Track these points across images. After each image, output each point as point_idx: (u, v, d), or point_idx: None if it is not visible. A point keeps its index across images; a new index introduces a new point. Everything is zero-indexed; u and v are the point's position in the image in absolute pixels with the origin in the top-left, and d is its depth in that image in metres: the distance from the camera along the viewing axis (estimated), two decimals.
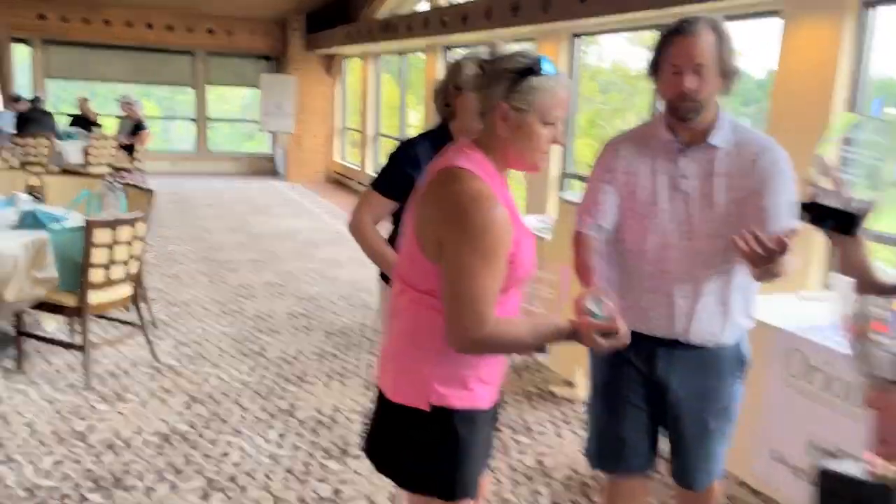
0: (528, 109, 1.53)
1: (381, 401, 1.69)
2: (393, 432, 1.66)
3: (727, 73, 1.84)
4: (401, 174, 2.31)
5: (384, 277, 2.45)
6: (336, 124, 13.77)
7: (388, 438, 1.67)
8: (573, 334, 1.56)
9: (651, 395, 2.00)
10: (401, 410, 1.63)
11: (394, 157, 2.38)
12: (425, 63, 9.82)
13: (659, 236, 1.90)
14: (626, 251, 1.96)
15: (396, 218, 2.42)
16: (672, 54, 1.82)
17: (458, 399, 1.59)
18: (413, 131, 10.97)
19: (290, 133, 13.00)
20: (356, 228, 2.37)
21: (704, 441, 2.03)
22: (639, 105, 6.04)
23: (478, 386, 1.62)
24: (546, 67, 1.52)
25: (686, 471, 2.09)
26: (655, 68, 1.88)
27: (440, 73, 9.16)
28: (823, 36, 3.92)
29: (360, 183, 12.15)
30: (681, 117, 1.86)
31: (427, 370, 1.59)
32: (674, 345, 1.94)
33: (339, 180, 13.24)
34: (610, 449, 2.07)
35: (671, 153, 1.92)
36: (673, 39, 1.82)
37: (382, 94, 12.09)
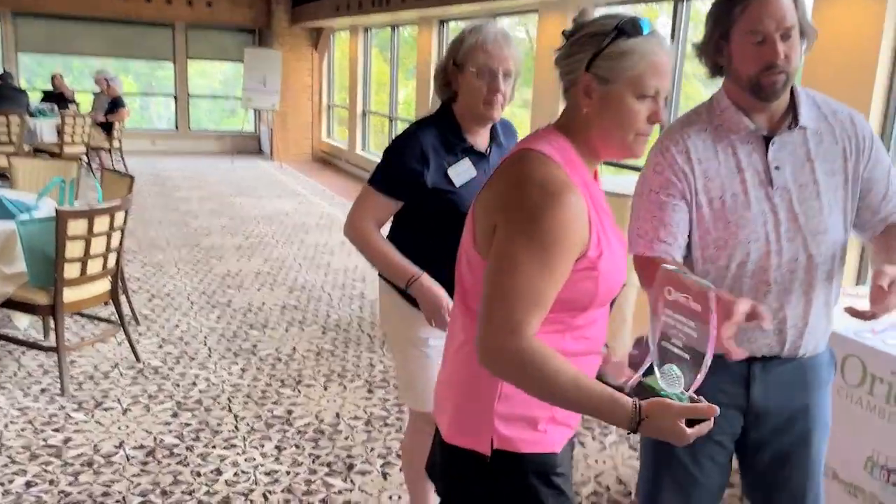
0: (615, 79, 1.23)
1: (439, 440, 1.42)
2: (451, 478, 1.39)
3: (807, 34, 1.55)
4: (404, 170, 2.02)
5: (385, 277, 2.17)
6: (323, 101, 13.33)
7: (449, 485, 1.40)
8: (634, 420, 1.16)
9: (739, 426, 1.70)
10: (457, 454, 1.34)
11: (394, 151, 2.07)
12: (417, 37, 9.41)
13: (756, 245, 1.59)
14: (707, 271, 1.63)
15: (398, 217, 2.13)
16: (752, 19, 1.49)
17: (524, 443, 1.29)
18: (403, 109, 10.69)
19: (276, 110, 12.54)
20: (358, 236, 2.07)
21: (813, 464, 1.76)
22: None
23: (551, 427, 1.32)
24: (640, 27, 1.23)
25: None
26: (718, 42, 1.56)
27: (434, 47, 8.78)
28: (863, 11, 3.62)
29: (348, 162, 11.77)
30: (767, 96, 1.55)
31: (488, 406, 1.29)
32: (770, 360, 1.64)
33: (327, 160, 12.84)
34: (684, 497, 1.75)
35: (756, 143, 1.60)
36: (749, 2, 1.50)
37: (372, 70, 11.67)
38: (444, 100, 2.09)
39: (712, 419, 1.17)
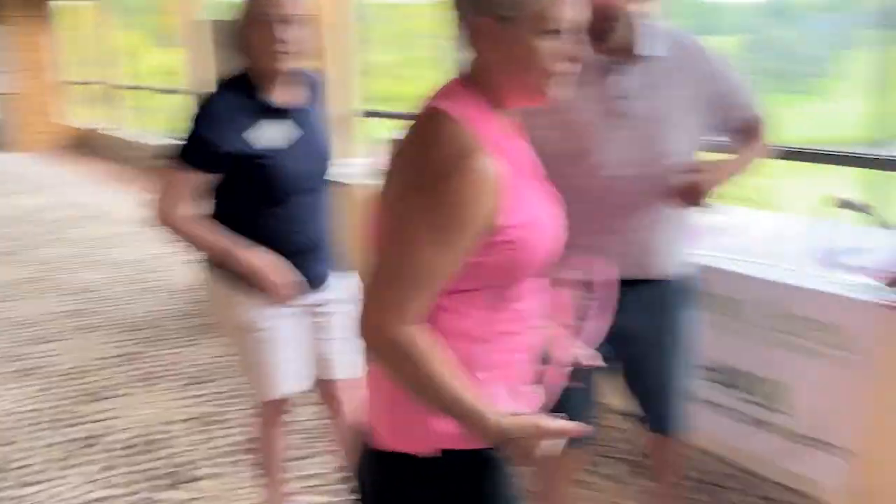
0: (516, 18, 1.08)
1: (368, 451, 1.24)
2: (387, 488, 1.21)
3: None
4: (200, 139, 1.87)
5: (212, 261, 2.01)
6: (66, 79, 11.88)
7: (385, 496, 1.22)
8: (496, 442, 1.10)
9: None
10: (392, 460, 1.19)
11: (190, 120, 1.91)
12: None
13: (604, 170, 1.67)
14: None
15: (221, 193, 1.96)
16: None
17: (467, 437, 1.14)
18: (168, 79, 9.80)
19: (14, 94, 10.95)
20: (167, 222, 1.90)
21: (678, 376, 1.94)
22: None
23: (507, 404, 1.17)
24: None
25: (665, 415, 1.97)
26: None
27: (188, 7, 8.08)
28: None
29: (106, 146, 10.64)
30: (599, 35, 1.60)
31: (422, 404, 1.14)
32: (632, 284, 1.69)
33: (80, 143, 11.52)
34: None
35: (600, 74, 1.64)
36: None
37: (119, 40, 10.56)
38: (243, 59, 1.94)
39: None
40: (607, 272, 1.24)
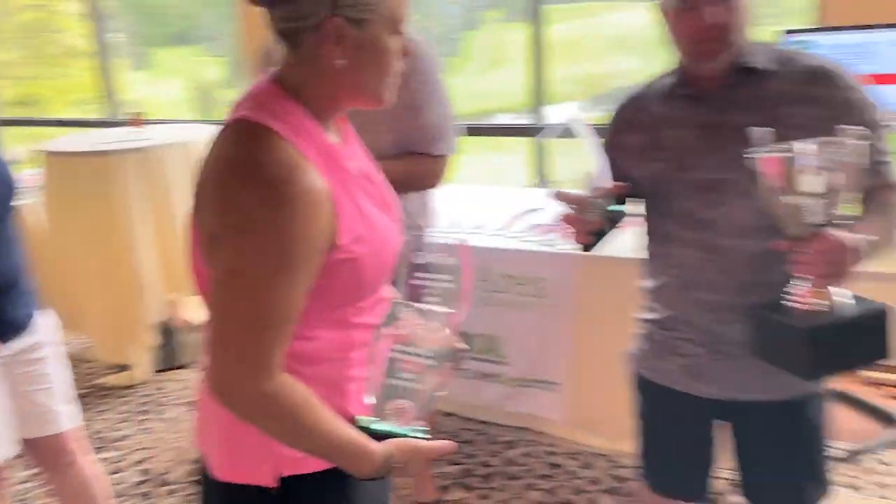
0: (372, 18, 1.01)
1: (207, 481, 1.13)
2: None
3: None
4: None
5: None
6: None
7: None
8: (383, 472, 1.07)
9: None
10: (237, 492, 1.09)
11: None
12: None
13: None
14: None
15: None
16: None
17: (313, 461, 1.07)
18: None
19: None
20: None
21: None
22: None
23: None
24: None
25: None
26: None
27: None
28: None
29: None
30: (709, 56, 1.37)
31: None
32: None
33: None
34: None
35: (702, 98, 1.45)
36: None
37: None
38: None
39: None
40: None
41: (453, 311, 1.14)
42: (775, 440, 1.47)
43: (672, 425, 1.57)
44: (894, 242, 1.31)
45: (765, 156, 1.15)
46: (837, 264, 1.14)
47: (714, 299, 1.39)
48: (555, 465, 2.57)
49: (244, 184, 0.95)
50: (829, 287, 1.19)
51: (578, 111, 1.29)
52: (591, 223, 1.33)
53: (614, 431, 2.49)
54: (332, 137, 1.08)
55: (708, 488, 1.61)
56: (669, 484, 1.62)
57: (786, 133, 1.18)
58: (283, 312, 0.98)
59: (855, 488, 2.33)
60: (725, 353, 1.42)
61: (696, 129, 1.37)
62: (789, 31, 2.49)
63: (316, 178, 0.98)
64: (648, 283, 1.55)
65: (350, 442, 1.04)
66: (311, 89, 1.04)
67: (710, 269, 1.39)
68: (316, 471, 1.08)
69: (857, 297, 1.22)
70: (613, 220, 1.35)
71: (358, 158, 1.14)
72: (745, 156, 1.20)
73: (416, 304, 1.15)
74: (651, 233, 1.51)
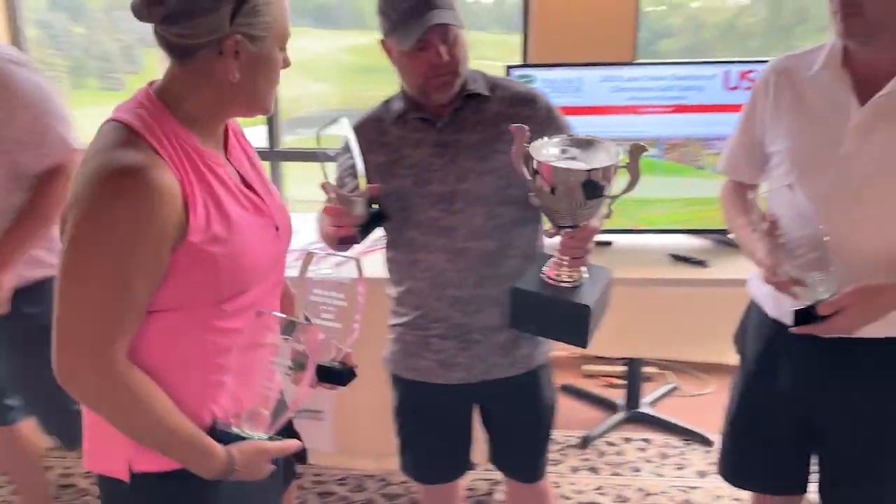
0: (266, 35, 1.08)
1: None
2: None
3: None
4: None
5: None
6: None
7: None
8: (227, 473, 1.10)
9: None
10: (100, 482, 1.16)
11: None
12: None
13: None
14: None
15: None
16: None
17: (146, 461, 1.10)
18: None
19: None
20: None
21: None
22: None
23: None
24: None
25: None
26: None
27: None
28: None
29: None
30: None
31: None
32: None
33: None
34: None
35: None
36: None
37: None
38: None
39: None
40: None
41: (344, 327, 1.25)
42: (519, 409, 1.71)
43: (432, 417, 1.73)
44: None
45: (543, 161, 1.28)
46: (589, 247, 1.38)
47: (460, 294, 1.59)
48: (327, 494, 2.53)
49: (92, 176, 0.99)
50: (580, 265, 1.40)
51: (344, 119, 1.36)
52: (353, 217, 1.42)
53: (379, 451, 2.53)
54: (205, 143, 1.12)
55: (468, 466, 1.82)
56: (434, 473, 1.81)
57: (505, 147, 1.40)
58: (121, 302, 1.01)
59: (593, 470, 2.64)
60: (471, 341, 1.62)
61: (432, 147, 1.55)
62: (510, 66, 2.75)
63: (164, 176, 1.01)
64: (396, 290, 1.68)
65: (192, 439, 1.07)
66: (194, 99, 1.09)
67: (454, 268, 1.58)
68: (169, 469, 1.09)
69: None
70: (375, 218, 1.47)
71: (237, 166, 1.19)
72: (478, 167, 1.48)
73: (314, 320, 1.23)
74: (397, 243, 1.64)
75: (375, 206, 1.47)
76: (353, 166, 1.40)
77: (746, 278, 1.68)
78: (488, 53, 4.02)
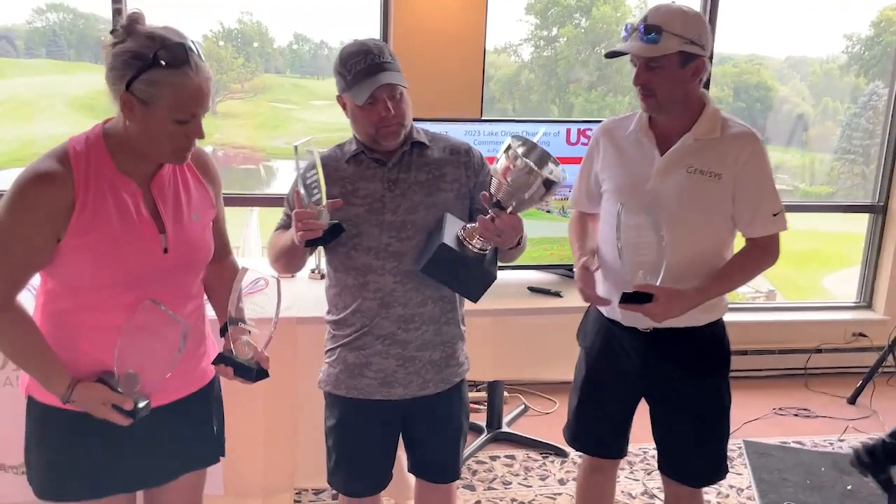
0: (153, 104, 1.38)
1: None
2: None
3: None
4: None
5: None
6: None
7: None
8: (65, 397, 1.46)
9: None
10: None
11: None
12: None
13: None
14: None
15: None
16: None
17: (37, 390, 1.53)
18: None
19: None
20: None
21: None
22: None
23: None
24: (178, 57, 1.36)
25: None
26: None
27: None
28: None
29: None
30: None
31: None
32: None
33: None
34: None
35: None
36: None
37: None
38: None
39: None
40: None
41: (264, 330, 1.59)
42: (443, 420, 1.95)
43: (365, 432, 1.93)
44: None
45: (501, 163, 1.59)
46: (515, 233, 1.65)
47: (404, 313, 1.81)
48: None
49: (19, 177, 1.40)
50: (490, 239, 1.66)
51: (312, 139, 1.61)
52: (316, 224, 1.63)
53: (267, 489, 2.60)
54: (125, 170, 1.46)
55: (390, 478, 2.01)
56: (362, 485, 1.99)
57: (447, 186, 1.80)
58: (2, 260, 1.41)
59: (469, 487, 2.88)
60: (409, 359, 1.84)
61: (383, 182, 1.79)
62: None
63: (60, 179, 1.39)
64: (340, 314, 1.89)
65: (47, 364, 1.45)
66: (117, 135, 1.45)
67: (402, 289, 1.80)
68: (37, 399, 1.53)
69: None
70: (335, 228, 1.67)
71: (156, 195, 1.50)
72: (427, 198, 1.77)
73: (240, 323, 1.58)
74: (347, 267, 1.83)
75: (334, 221, 1.68)
76: (317, 181, 1.63)
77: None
78: None
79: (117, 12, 3.30)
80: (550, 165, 1.63)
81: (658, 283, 1.78)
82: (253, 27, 7.35)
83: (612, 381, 2.03)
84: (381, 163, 1.80)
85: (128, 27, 1.39)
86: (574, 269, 1.96)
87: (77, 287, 1.46)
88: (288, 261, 1.84)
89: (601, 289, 1.96)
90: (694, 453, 2.01)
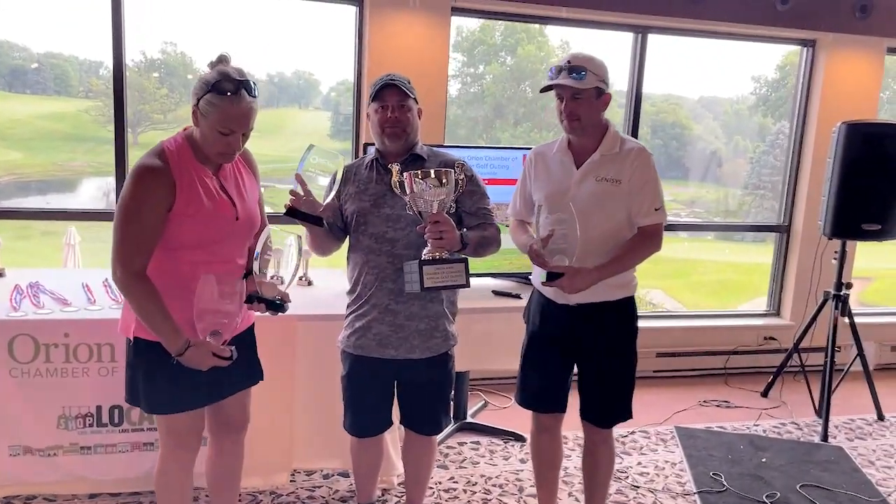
0: (207, 118, 1.93)
1: None
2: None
3: None
4: None
5: None
6: None
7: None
8: (181, 351, 1.96)
9: None
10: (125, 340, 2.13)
11: None
12: None
13: None
14: None
15: None
16: None
17: (144, 332, 2.02)
18: None
19: None
20: None
21: None
22: None
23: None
24: (225, 89, 1.88)
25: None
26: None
27: None
28: None
29: None
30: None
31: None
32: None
33: None
34: None
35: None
36: None
37: None
38: None
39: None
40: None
41: (283, 278, 2.14)
42: (427, 382, 2.42)
43: (368, 382, 2.43)
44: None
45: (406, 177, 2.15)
46: (447, 235, 2.14)
47: (394, 287, 2.30)
48: None
49: (134, 166, 1.96)
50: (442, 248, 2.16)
51: (340, 158, 2.21)
52: (311, 205, 2.12)
53: (268, 468, 2.91)
54: (204, 163, 2.01)
55: (389, 423, 2.52)
56: (366, 427, 2.49)
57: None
58: (129, 237, 1.92)
59: (443, 467, 3.26)
60: (400, 326, 2.32)
61: (388, 185, 2.28)
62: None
63: (163, 170, 1.93)
64: (351, 283, 2.42)
65: (167, 327, 1.95)
66: (195, 137, 2.01)
67: (392, 268, 2.30)
68: (142, 337, 2.03)
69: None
70: (318, 219, 2.15)
71: (223, 180, 2.06)
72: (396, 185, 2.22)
73: (264, 270, 2.06)
74: (356, 248, 2.37)
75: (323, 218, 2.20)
76: (331, 189, 2.19)
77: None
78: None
79: None
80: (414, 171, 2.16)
81: (568, 265, 2.26)
82: (176, 58, 7.36)
83: (548, 347, 2.50)
84: (387, 169, 2.31)
85: (214, 62, 1.97)
86: (528, 254, 2.39)
87: (182, 246, 1.98)
88: (311, 239, 2.34)
89: (537, 274, 2.47)
90: (606, 400, 2.49)
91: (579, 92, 2.28)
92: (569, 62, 2.29)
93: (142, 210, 1.91)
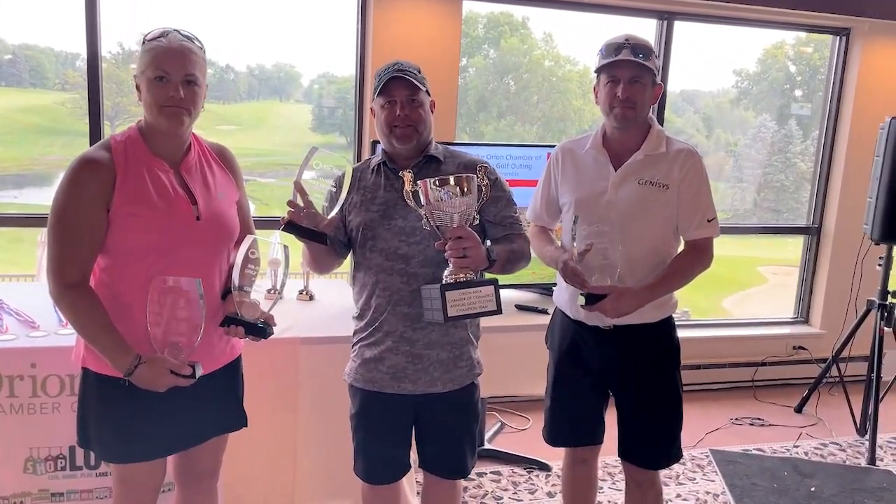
0: (143, 73, 1.67)
1: None
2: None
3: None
4: None
5: None
6: None
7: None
8: (130, 369, 1.64)
9: None
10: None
11: None
12: None
13: None
14: None
15: None
16: None
17: (93, 363, 1.73)
18: None
19: None
20: None
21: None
22: None
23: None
24: (153, 34, 1.66)
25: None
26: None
27: None
28: None
29: None
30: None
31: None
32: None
33: None
34: None
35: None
36: None
37: None
38: None
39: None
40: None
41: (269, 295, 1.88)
42: (450, 419, 2.03)
43: (381, 422, 2.03)
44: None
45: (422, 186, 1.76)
46: (472, 252, 1.77)
47: (410, 311, 1.92)
48: None
49: (70, 164, 1.66)
50: (467, 267, 1.78)
51: (348, 162, 1.83)
52: (312, 219, 1.77)
53: None
54: (158, 153, 1.72)
55: (407, 469, 2.10)
56: (379, 473, 2.07)
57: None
58: (60, 249, 1.63)
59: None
60: (418, 356, 1.94)
61: (398, 192, 1.91)
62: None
63: (103, 162, 1.65)
64: (359, 308, 2.02)
65: (111, 341, 1.64)
66: (146, 125, 1.73)
67: (407, 289, 1.91)
68: (91, 369, 1.73)
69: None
70: (319, 235, 1.80)
71: (185, 173, 1.74)
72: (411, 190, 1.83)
73: (245, 286, 1.75)
74: (363, 266, 1.98)
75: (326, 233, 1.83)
76: (334, 197, 1.85)
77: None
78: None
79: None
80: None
81: (610, 284, 1.95)
82: None
83: (579, 377, 2.17)
84: (396, 174, 1.93)
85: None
86: (559, 270, 2.06)
87: (128, 254, 1.66)
88: (309, 256, 1.98)
89: (563, 293, 2.14)
90: (649, 437, 2.16)
91: (641, 74, 1.96)
92: (627, 40, 1.96)
93: (74, 209, 1.62)
